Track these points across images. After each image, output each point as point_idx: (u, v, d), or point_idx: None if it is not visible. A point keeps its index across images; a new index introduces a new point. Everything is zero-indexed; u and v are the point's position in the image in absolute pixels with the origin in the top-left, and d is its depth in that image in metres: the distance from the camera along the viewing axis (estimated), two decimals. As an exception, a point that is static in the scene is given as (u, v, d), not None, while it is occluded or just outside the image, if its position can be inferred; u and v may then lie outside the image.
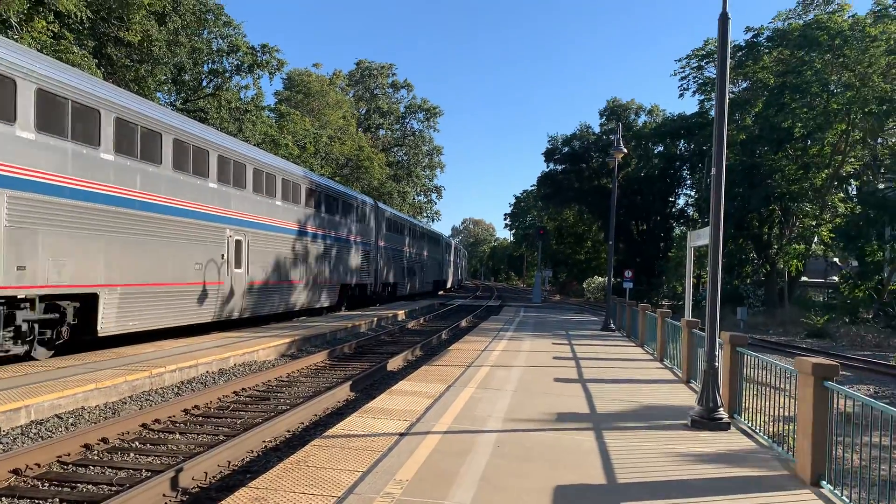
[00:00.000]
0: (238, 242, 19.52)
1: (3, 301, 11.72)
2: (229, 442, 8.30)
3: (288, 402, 11.50)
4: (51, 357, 13.23)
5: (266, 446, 8.80)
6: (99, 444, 8.39)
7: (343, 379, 13.73)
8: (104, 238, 13.77)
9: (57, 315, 13.03)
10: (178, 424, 9.73)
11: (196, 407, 10.63)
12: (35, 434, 8.72)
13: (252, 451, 8.50)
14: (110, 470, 7.56)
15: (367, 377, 13.91)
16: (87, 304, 13.63)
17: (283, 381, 13.55)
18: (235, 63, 35.04)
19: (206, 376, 13.32)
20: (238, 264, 19.57)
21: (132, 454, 8.20)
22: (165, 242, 15.90)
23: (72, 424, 9.33)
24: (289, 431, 9.58)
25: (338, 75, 68.74)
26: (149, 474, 7.34)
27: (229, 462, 7.92)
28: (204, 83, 35.82)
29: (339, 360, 16.77)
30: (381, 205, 37.88)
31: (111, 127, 13.96)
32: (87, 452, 8.13)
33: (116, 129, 14.13)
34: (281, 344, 16.92)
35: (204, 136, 17.94)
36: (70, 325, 13.39)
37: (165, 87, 32.31)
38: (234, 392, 11.94)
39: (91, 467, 7.63)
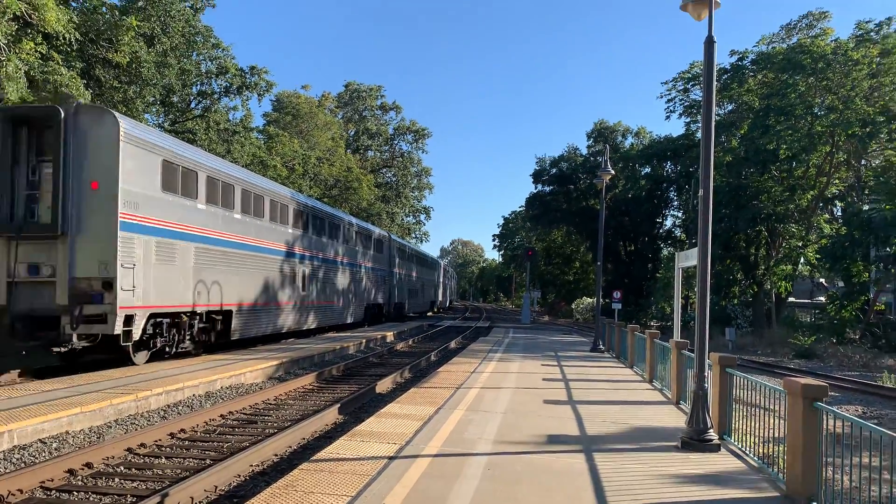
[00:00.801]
0: (304, 272, 25.31)
1: (188, 314, 17.23)
2: (216, 466, 8.20)
3: (275, 425, 11.39)
4: (201, 354, 18.55)
5: (253, 470, 8.70)
6: (83, 469, 8.26)
7: (331, 402, 13.62)
8: (235, 271, 19.52)
9: (210, 325, 18.64)
10: (163, 449, 9.60)
11: (182, 430, 10.51)
12: (18, 459, 8.59)
13: (239, 476, 8.39)
14: (94, 496, 7.44)
15: (355, 400, 13.81)
16: (226, 317, 19.29)
17: (270, 404, 13.43)
18: (224, 85, 35.09)
19: (193, 399, 13.17)
20: (304, 289, 25.38)
21: (117, 479, 8.07)
22: (266, 274, 21.78)
23: (56, 449, 9.19)
24: (276, 455, 9.48)
25: (326, 97, 69.00)
26: (134, 500, 7.23)
27: (216, 487, 7.81)
28: (193, 105, 35.82)
29: (327, 383, 16.65)
30: (393, 236, 44.46)
31: (239, 195, 19.74)
32: (71, 478, 8.00)
33: (242, 196, 19.94)
34: (268, 366, 16.79)
35: (285, 193, 24.20)
36: (215, 332, 19.03)
37: (154, 109, 32.29)
38: (221, 415, 11.81)
39: (75, 493, 7.50)
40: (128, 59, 25.18)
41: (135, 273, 14.70)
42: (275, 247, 22.51)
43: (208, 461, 8.90)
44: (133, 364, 15.56)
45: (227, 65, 34.40)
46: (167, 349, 16.86)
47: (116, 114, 14.71)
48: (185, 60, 31.41)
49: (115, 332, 14.13)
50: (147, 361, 16.15)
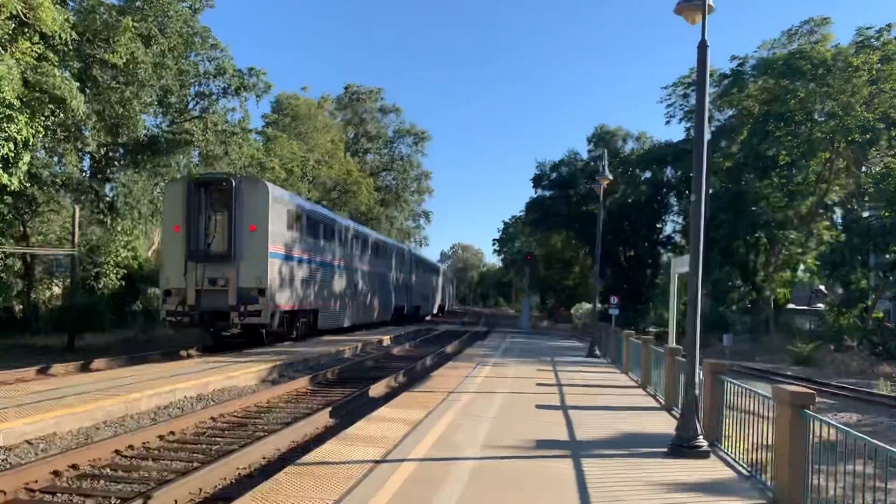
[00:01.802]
0: (360, 282, 33.57)
1: (296, 312, 24.53)
2: (202, 469, 8.18)
3: (266, 428, 11.35)
4: (294, 340, 24.88)
5: (240, 474, 8.67)
6: (69, 470, 8.24)
7: (323, 405, 13.58)
8: (320, 282, 26.90)
9: (306, 319, 26.02)
10: (151, 451, 9.58)
11: (171, 433, 10.48)
12: (3, 461, 8.56)
13: (225, 479, 8.37)
14: (78, 497, 7.43)
15: (347, 403, 13.79)
16: (315, 313, 26.85)
17: (262, 406, 13.40)
18: (222, 86, 35.09)
19: (184, 401, 13.15)
20: (360, 294, 33.88)
21: (102, 481, 8.05)
22: (338, 283, 29.66)
23: (42, 451, 9.17)
24: (264, 458, 9.45)
25: (326, 99, 68.94)
26: (118, 502, 7.22)
27: (201, 490, 7.79)
28: (190, 105, 35.84)
29: (320, 386, 16.62)
30: (412, 248, 54.83)
31: (322, 227, 27.38)
32: (56, 479, 7.97)
33: (324, 228, 27.62)
34: (262, 369, 16.77)
35: (347, 223, 32.95)
36: (309, 324, 26.36)
37: (151, 110, 32.28)
38: (212, 418, 11.78)
39: (59, 495, 7.49)
40: (125, 60, 25.22)
41: (275, 284, 21.71)
42: (343, 263, 30.42)
43: (195, 464, 8.87)
44: (264, 344, 22.61)
45: (226, 66, 34.39)
46: (283, 335, 23.98)
47: (266, 182, 22.72)
48: (183, 61, 31.43)
49: (266, 322, 21.33)
50: (271, 343, 23.03)
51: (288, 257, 23.03)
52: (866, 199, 40.31)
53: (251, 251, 21.01)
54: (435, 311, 67.85)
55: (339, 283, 29.69)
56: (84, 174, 31.29)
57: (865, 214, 38.61)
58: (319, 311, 27.00)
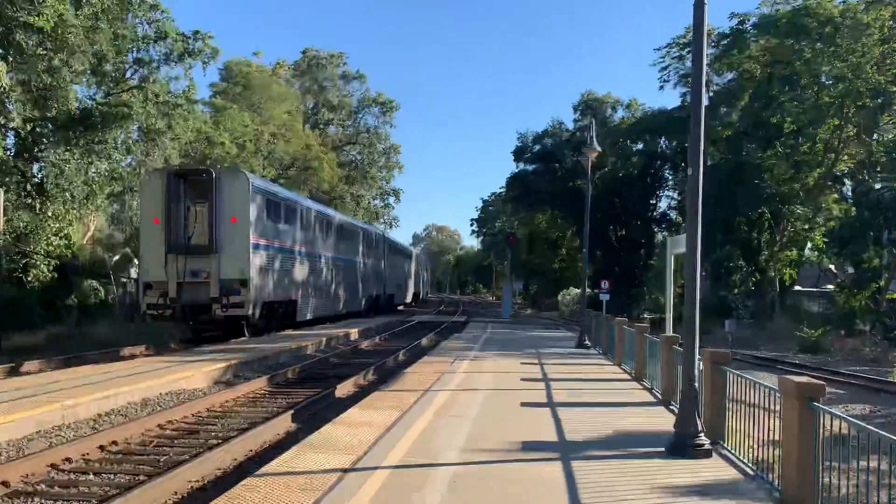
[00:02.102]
0: (335, 273, 35.48)
1: (276, 303, 26.35)
2: (149, 483, 8.12)
3: (220, 435, 11.29)
4: (274, 332, 26.50)
5: (192, 487, 8.62)
6: (-3, 489, 8.13)
7: (284, 408, 13.54)
8: (297, 272, 28.81)
9: (285, 309, 27.59)
10: (92, 463, 9.48)
11: (114, 443, 10.37)
12: (-78, 479, 8.41)
13: (176, 493, 8.32)
14: (9, 519, 7.33)
15: (311, 405, 13.76)
16: (293, 304, 28.50)
17: (215, 411, 13.32)
18: (164, 51, 34.51)
19: (128, 407, 13.02)
20: (335, 285, 35.77)
21: (37, 499, 7.96)
22: (315, 273, 31.55)
23: (-34, 467, 9.02)
24: (219, 469, 9.41)
25: (281, 65, 68.25)
26: (54, 523, 7.13)
27: (148, 506, 7.74)
28: (128, 74, 35.24)
29: (280, 387, 16.55)
30: (387, 235, 56.08)
31: (299, 215, 29.23)
32: (-17, 499, 7.87)
33: (300, 214, 29.45)
34: (215, 370, 16.66)
35: (322, 210, 34.94)
36: (287, 314, 27.90)
37: (83, 79, 31.69)
38: (159, 425, 11.68)
39: (-14, 516, 7.39)
40: (52, 24, 24.67)
41: (257, 275, 23.46)
42: (320, 252, 32.26)
43: (142, 477, 8.79)
44: (244, 336, 23.83)
45: (167, 29, 33.80)
46: (263, 327, 25.36)
47: (247, 172, 24.89)
48: (119, 24, 30.84)
49: (248, 314, 23.01)
50: (251, 336, 24.28)
51: (268, 248, 24.90)
52: (878, 169, 40.78)
53: (232, 243, 22.59)
54: (408, 301, 68.03)
55: (315, 273, 31.42)
56: (8, 153, 30.67)
57: (877, 186, 39.10)
58: (299, 302, 28.95)
